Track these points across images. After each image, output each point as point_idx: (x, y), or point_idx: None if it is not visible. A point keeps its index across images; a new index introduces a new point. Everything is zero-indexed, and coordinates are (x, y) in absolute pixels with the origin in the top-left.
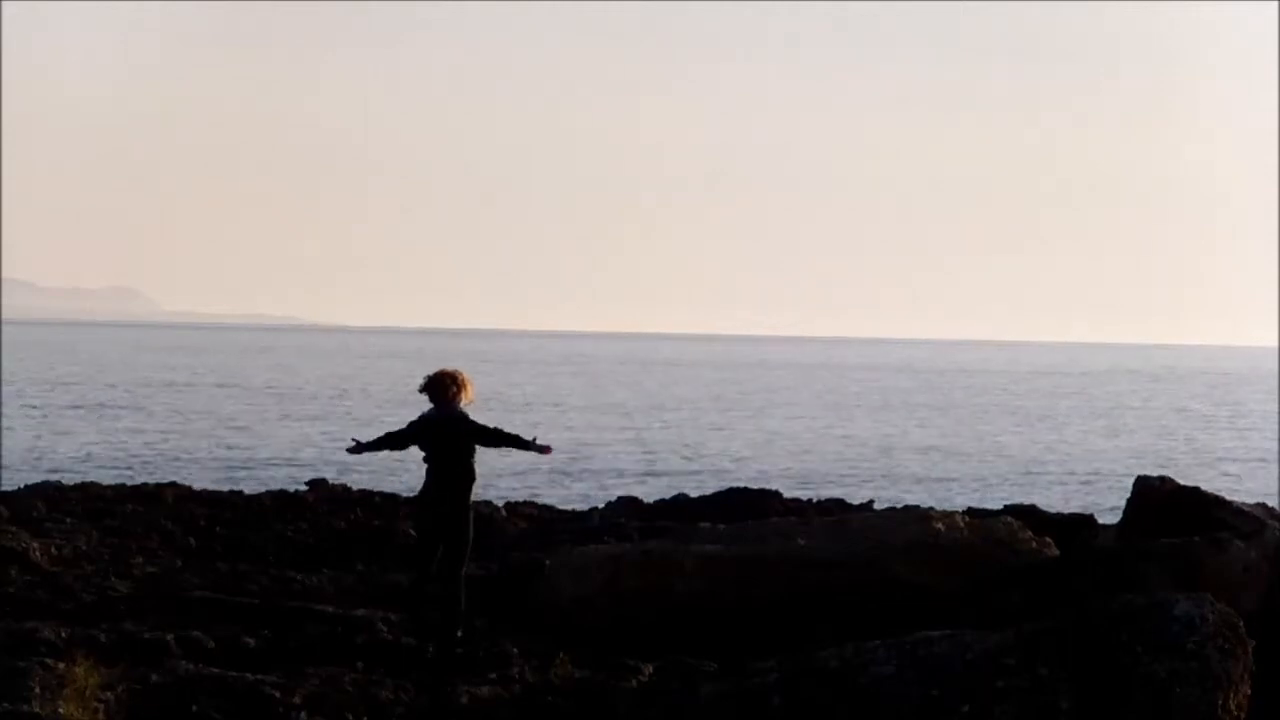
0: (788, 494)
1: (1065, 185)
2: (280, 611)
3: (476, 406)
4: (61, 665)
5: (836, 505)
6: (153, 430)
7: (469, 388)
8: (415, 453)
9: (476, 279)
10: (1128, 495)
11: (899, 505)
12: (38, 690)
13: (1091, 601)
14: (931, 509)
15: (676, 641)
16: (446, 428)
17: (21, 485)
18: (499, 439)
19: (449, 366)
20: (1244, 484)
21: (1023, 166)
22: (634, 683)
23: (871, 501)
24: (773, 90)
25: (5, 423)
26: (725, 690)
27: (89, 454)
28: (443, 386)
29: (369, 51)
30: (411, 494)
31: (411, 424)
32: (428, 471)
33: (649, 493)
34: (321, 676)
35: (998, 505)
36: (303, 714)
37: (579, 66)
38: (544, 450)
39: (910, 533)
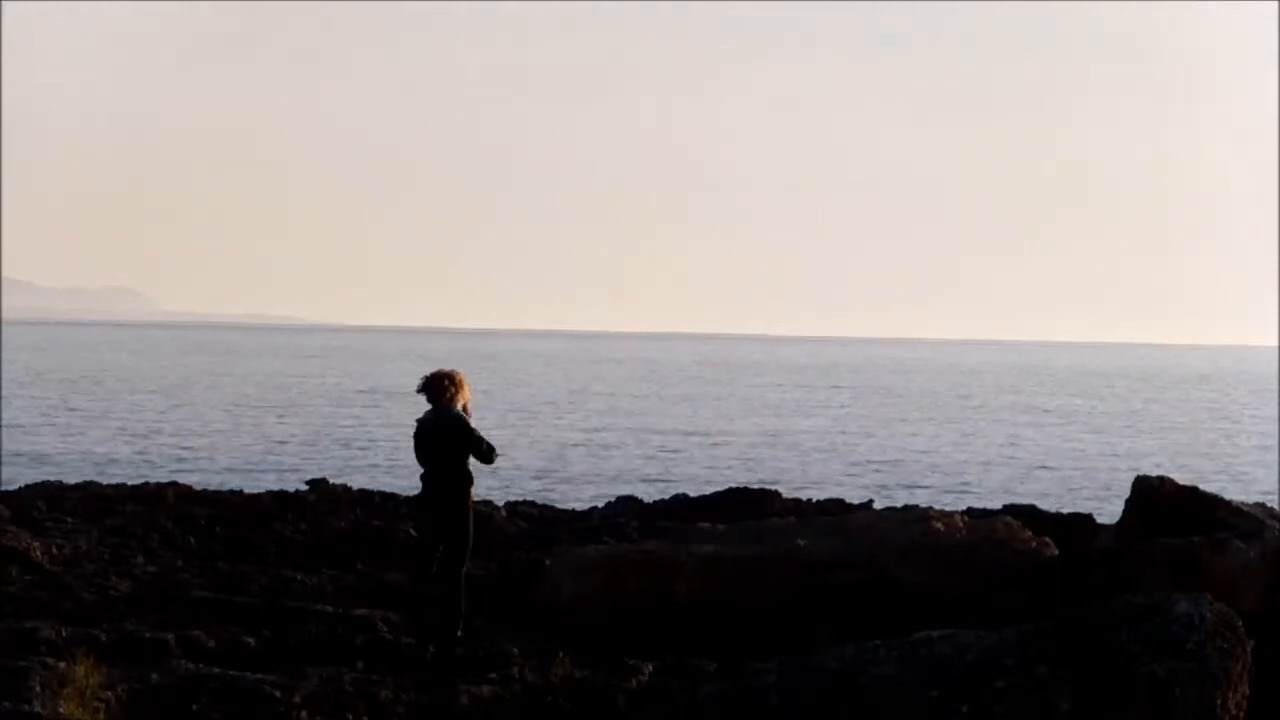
0: (788, 494)
1: (1065, 187)
2: (280, 611)
3: (473, 406)
4: (62, 665)
5: (836, 505)
6: (153, 430)
7: (465, 388)
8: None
9: (477, 279)
10: (1128, 495)
11: (899, 505)
12: (38, 690)
13: (1091, 601)
14: (931, 509)
15: (676, 641)
16: (442, 430)
17: (22, 485)
18: (476, 453)
19: (446, 367)
20: (1244, 484)
21: (1020, 168)
22: (634, 683)
23: (871, 501)
24: (776, 91)
25: (5, 423)
26: (725, 690)
27: (89, 454)
28: (440, 387)
29: (368, 51)
30: (411, 494)
31: (415, 437)
32: (424, 472)
33: (649, 493)
34: (321, 676)
35: (998, 505)
36: (303, 714)
37: (579, 67)
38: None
39: (910, 533)
